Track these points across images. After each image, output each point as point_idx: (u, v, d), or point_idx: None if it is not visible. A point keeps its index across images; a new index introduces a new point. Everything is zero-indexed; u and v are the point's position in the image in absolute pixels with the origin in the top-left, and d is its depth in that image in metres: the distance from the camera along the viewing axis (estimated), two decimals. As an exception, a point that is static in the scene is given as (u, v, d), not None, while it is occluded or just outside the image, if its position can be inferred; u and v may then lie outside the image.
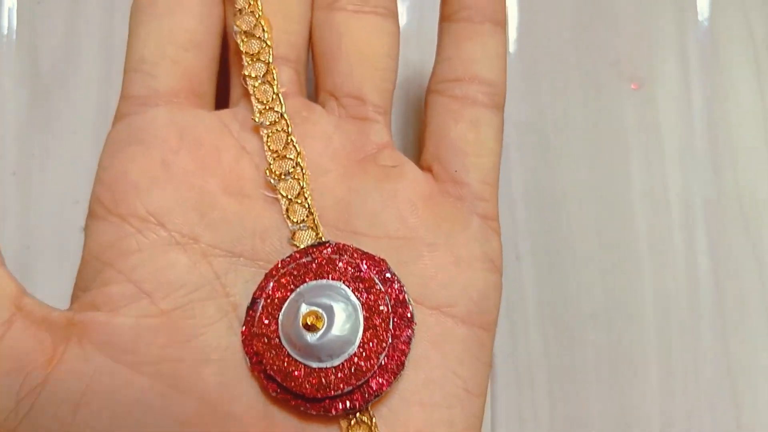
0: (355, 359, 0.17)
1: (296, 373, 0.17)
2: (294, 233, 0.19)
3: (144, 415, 0.16)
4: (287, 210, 0.19)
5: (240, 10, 0.20)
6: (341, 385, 0.17)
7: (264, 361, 0.17)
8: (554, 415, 0.27)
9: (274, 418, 0.17)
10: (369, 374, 0.17)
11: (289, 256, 0.18)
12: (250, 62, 0.20)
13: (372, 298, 0.18)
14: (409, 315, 0.18)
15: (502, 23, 0.21)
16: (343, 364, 0.17)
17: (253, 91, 0.19)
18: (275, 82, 0.19)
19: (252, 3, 0.20)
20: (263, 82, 0.19)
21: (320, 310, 0.17)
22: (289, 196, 0.19)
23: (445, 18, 0.21)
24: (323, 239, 0.19)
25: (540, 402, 0.27)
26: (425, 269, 0.19)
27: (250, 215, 0.19)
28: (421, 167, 0.21)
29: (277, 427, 0.17)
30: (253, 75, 0.20)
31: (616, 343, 0.27)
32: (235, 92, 0.21)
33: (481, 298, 0.19)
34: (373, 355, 0.17)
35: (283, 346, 0.17)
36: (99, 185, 0.19)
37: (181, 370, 0.17)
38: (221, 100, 0.22)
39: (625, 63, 0.28)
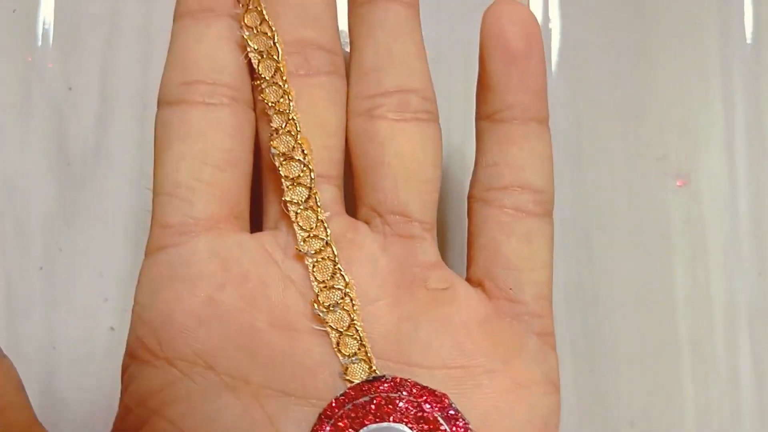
0: None
1: None
2: (346, 367, 0.18)
3: None
4: (338, 343, 0.18)
5: (276, 129, 0.19)
6: None
7: None
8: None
9: None
10: None
11: (344, 395, 0.17)
12: (290, 186, 0.19)
13: None
14: None
15: (546, 121, 0.20)
16: None
17: (296, 218, 0.18)
18: (318, 208, 0.19)
19: (289, 122, 0.19)
20: (305, 208, 0.19)
21: None
22: (339, 329, 0.18)
23: (484, 117, 0.20)
24: (377, 373, 0.18)
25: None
26: (485, 399, 0.18)
27: (299, 351, 0.18)
28: (470, 281, 0.20)
29: None
30: (294, 200, 0.19)
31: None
32: (271, 213, 0.20)
33: (544, 422, 0.19)
34: None
35: None
36: (140, 326, 0.18)
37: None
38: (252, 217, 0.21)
39: (671, 158, 0.27)
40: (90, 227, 0.25)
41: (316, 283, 0.18)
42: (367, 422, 0.17)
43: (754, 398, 0.27)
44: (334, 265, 0.18)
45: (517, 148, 0.19)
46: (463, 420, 0.17)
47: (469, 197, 0.20)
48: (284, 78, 0.19)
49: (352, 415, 0.17)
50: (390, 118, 0.19)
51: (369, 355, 0.18)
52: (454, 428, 0.17)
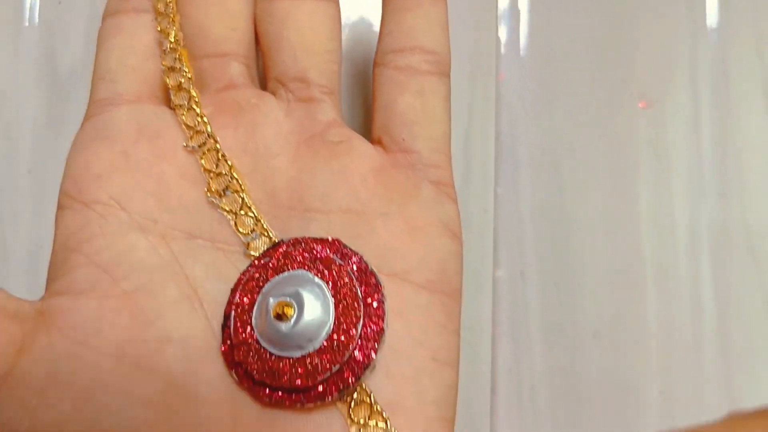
0: (334, 336, 0.17)
1: (283, 368, 0.17)
2: (248, 244, 0.19)
3: (107, 396, 0.17)
4: (236, 224, 0.19)
5: (164, 50, 0.21)
6: (328, 365, 0.17)
7: (249, 368, 0.17)
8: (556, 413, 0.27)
9: (240, 401, 0.18)
10: (352, 346, 0.17)
11: (250, 265, 0.19)
12: (176, 92, 0.21)
13: (335, 275, 0.18)
14: (374, 281, 0.18)
15: None
16: (323, 344, 0.17)
17: (182, 119, 0.20)
18: (199, 107, 0.20)
19: (173, 42, 0.21)
20: (189, 108, 0.20)
21: (288, 299, 0.18)
22: (234, 210, 0.19)
23: (385, 2, 0.22)
24: (276, 241, 0.19)
25: (541, 419, 0.27)
26: (380, 240, 0.19)
27: (206, 200, 0.19)
28: (372, 141, 0.21)
29: (243, 410, 0.18)
30: (179, 104, 0.21)
31: (618, 365, 0.27)
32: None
33: (440, 265, 0.19)
34: (350, 327, 0.17)
35: (264, 348, 0.18)
36: (65, 179, 0.20)
37: (144, 351, 0.17)
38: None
39: (635, 81, 0.28)
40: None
41: (206, 173, 0.20)
42: (270, 277, 0.18)
43: (715, 316, 0.27)
44: (218, 153, 0.20)
45: (410, 15, 0.21)
46: (357, 255, 0.19)
47: (373, 65, 0.22)
48: None
49: (257, 275, 0.18)
50: None
51: (266, 227, 0.19)
52: (349, 263, 0.18)
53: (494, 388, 0.27)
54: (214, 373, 0.18)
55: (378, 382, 0.18)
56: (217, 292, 0.19)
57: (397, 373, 0.18)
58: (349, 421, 0.17)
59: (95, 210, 0.19)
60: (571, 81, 0.28)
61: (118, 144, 0.20)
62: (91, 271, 0.18)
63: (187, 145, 0.20)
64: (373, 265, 0.19)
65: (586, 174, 0.28)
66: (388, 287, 0.19)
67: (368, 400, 0.18)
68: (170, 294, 0.18)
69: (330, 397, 0.17)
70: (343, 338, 0.17)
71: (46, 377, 0.17)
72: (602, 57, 0.28)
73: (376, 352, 0.18)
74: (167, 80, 0.21)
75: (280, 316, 0.17)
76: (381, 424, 0.17)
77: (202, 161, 0.20)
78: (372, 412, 0.17)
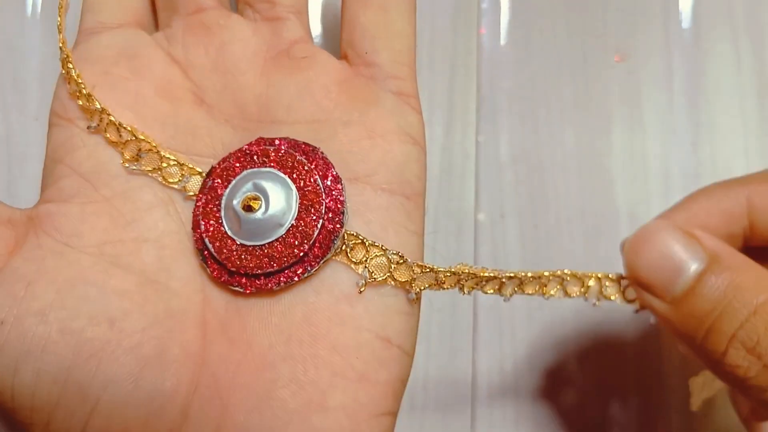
0: (302, 216, 0.19)
1: (261, 253, 0.19)
2: (184, 188, 0.20)
3: (87, 288, 0.18)
4: (163, 178, 0.20)
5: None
6: (304, 234, 0.19)
7: (225, 261, 0.19)
8: (533, 366, 0.28)
9: (210, 292, 0.19)
10: (322, 214, 0.19)
11: (211, 170, 0.20)
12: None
13: (309, 196, 0.19)
14: (334, 173, 0.19)
15: None
16: (293, 224, 0.19)
17: (83, 107, 0.21)
18: (85, 87, 0.21)
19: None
20: (80, 92, 0.21)
21: (253, 192, 0.19)
22: (157, 167, 0.20)
23: None
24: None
25: (520, 353, 0.28)
26: (340, 145, 0.20)
27: (181, 115, 0.21)
28: (340, 57, 0.22)
29: (213, 300, 0.19)
30: (81, 104, 0.21)
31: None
32: (162, 18, 0.23)
33: (400, 168, 0.20)
34: (316, 203, 0.19)
35: (236, 240, 0.19)
36: (54, 100, 0.21)
37: (122, 249, 0.19)
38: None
39: (610, 36, 0.30)
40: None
41: (113, 145, 0.20)
42: (235, 174, 0.20)
43: None
44: (116, 125, 0.20)
45: None
46: (319, 151, 0.20)
47: None
48: None
49: (226, 167, 0.20)
50: None
51: (190, 166, 0.20)
52: (310, 160, 0.20)
53: (476, 325, 0.28)
54: (187, 269, 0.19)
55: (337, 276, 0.19)
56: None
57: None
58: (352, 264, 0.19)
59: (78, 125, 0.20)
60: (549, 35, 0.29)
61: (98, 66, 0.21)
62: (74, 180, 0.20)
63: (89, 127, 0.20)
64: (336, 167, 0.20)
65: (562, 123, 0.29)
66: (349, 190, 0.20)
67: (358, 240, 0.19)
68: (146, 199, 0.20)
69: (317, 261, 0.19)
70: (313, 214, 0.19)
71: (33, 271, 0.18)
72: (579, 12, 0.30)
73: (342, 226, 0.19)
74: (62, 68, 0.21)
75: (249, 208, 0.19)
76: (378, 252, 0.19)
77: (107, 135, 0.20)
78: (366, 247, 0.19)
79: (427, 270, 0.19)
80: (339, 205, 0.19)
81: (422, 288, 0.19)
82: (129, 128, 0.20)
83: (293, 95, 0.21)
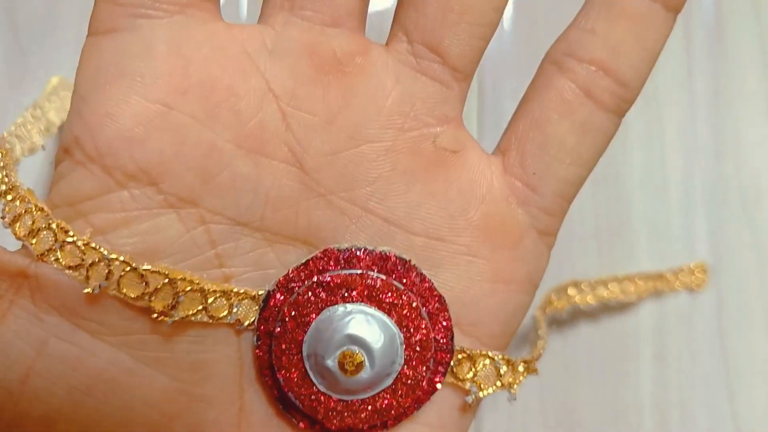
0: (406, 371, 0.16)
1: (348, 409, 0.16)
2: (238, 321, 0.15)
3: (107, 392, 0.14)
4: (211, 317, 0.15)
5: None
6: (370, 421, 0.16)
7: (305, 409, 0.16)
8: (544, 400, 0.26)
9: (249, 401, 0.16)
10: (402, 410, 0.16)
11: (296, 270, 0.16)
12: None
13: (416, 335, 0.16)
14: (437, 294, 0.16)
15: (676, 11, 0.16)
16: (396, 382, 0.16)
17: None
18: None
19: None
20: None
21: (354, 349, 0.15)
22: (193, 310, 0.15)
23: None
24: (264, 292, 0.16)
25: (530, 388, 0.26)
26: (456, 282, 0.16)
27: (266, 179, 0.15)
28: (498, 147, 0.17)
29: (253, 417, 0.16)
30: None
31: (608, 331, 0.26)
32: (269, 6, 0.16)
33: (508, 321, 0.17)
34: (409, 392, 0.16)
35: (324, 392, 0.16)
36: (78, 122, 0.15)
37: (151, 344, 0.15)
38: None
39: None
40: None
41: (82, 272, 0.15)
42: (311, 313, 0.16)
43: (710, 281, 0.26)
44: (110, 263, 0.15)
45: (624, 25, 0.16)
46: (413, 267, 0.16)
47: (546, 56, 0.17)
48: None
49: (306, 295, 0.16)
50: None
51: (236, 290, 0.16)
52: (405, 282, 0.16)
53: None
54: (226, 373, 0.15)
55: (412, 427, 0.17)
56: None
57: (427, 421, 0.17)
58: (459, 382, 0.16)
59: (115, 179, 0.14)
60: (555, 31, 0.26)
61: (155, 91, 0.14)
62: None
63: (92, 290, 0.15)
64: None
65: None
66: None
67: (464, 354, 0.16)
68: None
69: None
70: (395, 403, 0.16)
71: (32, 358, 0.14)
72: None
73: (452, 330, 0.16)
74: None
75: (345, 369, 0.15)
76: (487, 361, 0.16)
77: (124, 292, 0.14)
78: (472, 360, 0.16)
79: (528, 364, 0.17)
80: (448, 335, 0.16)
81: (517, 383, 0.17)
82: (160, 270, 0.14)
83: (423, 197, 0.16)
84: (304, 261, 0.15)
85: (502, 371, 0.16)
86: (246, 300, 0.15)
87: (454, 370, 0.16)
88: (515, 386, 0.16)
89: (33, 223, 0.14)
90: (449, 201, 0.16)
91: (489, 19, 0.16)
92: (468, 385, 0.16)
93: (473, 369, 0.16)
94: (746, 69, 0.27)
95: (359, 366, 0.15)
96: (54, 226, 0.14)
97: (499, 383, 0.16)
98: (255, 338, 0.16)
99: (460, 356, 0.16)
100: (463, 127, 0.17)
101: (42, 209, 0.14)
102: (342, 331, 0.15)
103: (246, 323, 0.15)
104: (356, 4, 0.16)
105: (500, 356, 0.16)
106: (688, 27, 0.27)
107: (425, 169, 0.16)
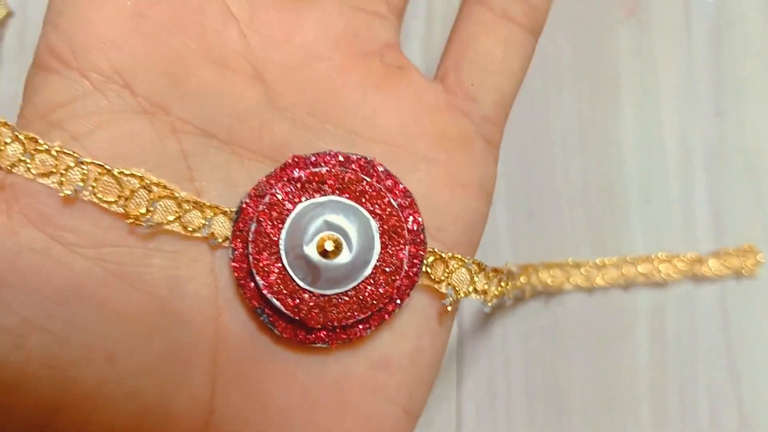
0: (368, 287, 0.17)
1: (329, 303, 0.16)
2: (212, 234, 0.16)
3: (81, 304, 0.15)
4: (184, 227, 0.16)
5: None
6: (353, 313, 0.16)
7: (285, 307, 0.16)
8: (530, 377, 0.24)
9: (226, 325, 0.16)
10: (384, 300, 0.17)
11: (269, 177, 0.17)
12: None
13: (389, 222, 0.17)
14: (401, 187, 0.17)
15: None
16: (373, 271, 0.16)
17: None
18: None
19: None
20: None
21: (333, 233, 0.16)
22: (171, 215, 0.16)
23: None
24: (235, 209, 0.16)
25: (515, 361, 0.24)
26: (418, 185, 0.17)
27: (230, 91, 0.17)
28: (435, 76, 0.19)
29: (228, 337, 0.16)
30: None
31: (602, 303, 0.25)
32: None
33: (469, 227, 0.18)
34: (388, 281, 0.17)
35: (301, 286, 0.16)
36: (53, 32, 0.16)
37: (127, 257, 0.15)
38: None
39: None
40: None
41: (110, 205, 0.16)
42: (298, 200, 0.17)
43: (712, 240, 0.25)
44: (115, 178, 0.16)
45: None
46: (376, 164, 0.17)
47: None
48: None
49: (280, 196, 0.17)
50: None
51: (207, 204, 0.16)
52: (372, 177, 0.17)
53: (461, 321, 0.25)
54: (201, 291, 0.16)
55: (381, 335, 0.17)
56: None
57: (400, 330, 0.17)
58: (434, 284, 0.17)
59: (93, 83, 0.16)
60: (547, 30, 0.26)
61: (132, 1, 0.16)
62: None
63: (65, 194, 0.15)
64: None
65: (561, 90, 0.25)
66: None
67: (437, 256, 0.17)
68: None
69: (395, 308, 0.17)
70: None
71: (4, 269, 0.15)
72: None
73: (422, 220, 0.17)
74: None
75: (326, 253, 0.16)
76: (459, 264, 0.17)
77: (97, 197, 0.15)
78: (445, 261, 0.17)
79: (502, 275, 0.18)
80: (418, 223, 0.17)
81: (505, 296, 0.19)
82: (135, 172, 0.15)
83: (377, 108, 0.18)
84: (273, 170, 0.17)
85: (475, 278, 0.17)
86: (219, 216, 0.16)
87: (429, 271, 0.17)
88: (489, 295, 0.18)
89: None
90: (402, 111, 0.18)
91: None
92: (444, 287, 0.17)
93: (446, 270, 0.17)
94: (749, 22, 0.26)
95: (338, 247, 0.16)
96: (21, 137, 0.15)
97: (472, 288, 0.17)
98: (230, 252, 0.16)
99: (432, 258, 0.17)
100: (402, 53, 0.19)
101: (6, 124, 0.15)
102: (318, 219, 0.16)
103: (220, 239, 0.16)
104: None
105: (471, 260, 0.17)
106: (685, -25, 0.26)
107: (376, 83, 0.18)
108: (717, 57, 0.26)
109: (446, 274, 0.17)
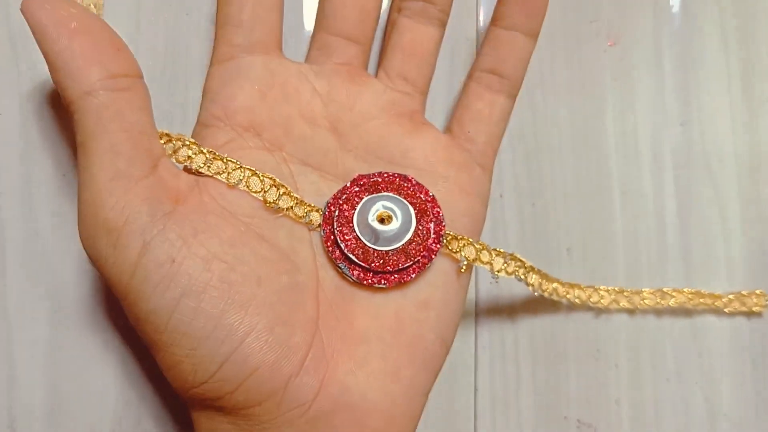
0: (411, 245, 0.25)
1: (387, 256, 0.24)
2: (311, 221, 0.25)
3: (238, 247, 0.22)
4: (295, 215, 0.24)
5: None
6: (401, 262, 0.24)
7: (359, 260, 0.24)
8: (533, 340, 0.29)
9: (323, 277, 0.24)
10: (422, 253, 0.25)
11: (343, 188, 0.25)
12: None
13: (420, 207, 0.25)
14: (427, 190, 0.25)
15: (535, 35, 0.27)
16: (413, 236, 0.25)
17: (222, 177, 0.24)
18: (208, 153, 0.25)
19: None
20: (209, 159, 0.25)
21: (389, 212, 0.25)
22: (290, 206, 0.24)
23: (493, 22, 0.27)
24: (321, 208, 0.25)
25: (520, 330, 0.29)
26: (438, 193, 0.26)
27: (318, 137, 0.25)
28: (445, 130, 0.28)
29: (324, 283, 0.24)
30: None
31: (589, 277, 0.29)
32: (314, 56, 0.27)
33: (473, 222, 0.26)
34: (422, 241, 0.25)
35: (369, 245, 0.24)
36: (212, 105, 0.25)
37: (263, 226, 0.24)
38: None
39: (603, 21, 0.31)
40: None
41: (255, 194, 0.24)
42: (358, 200, 0.25)
43: (677, 230, 0.30)
44: (258, 175, 0.24)
45: (506, 48, 0.27)
46: (411, 178, 0.26)
47: (467, 76, 0.28)
48: None
49: (347, 197, 0.25)
50: (405, 14, 0.27)
51: (307, 202, 0.25)
52: (409, 184, 0.26)
53: (477, 301, 0.30)
54: (308, 254, 0.24)
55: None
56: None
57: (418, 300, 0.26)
58: (453, 253, 0.25)
59: (237, 132, 0.24)
60: (546, 22, 0.30)
61: (257, 85, 0.25)
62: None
63: (234, 183, 0.24)
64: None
65: (557, 106, 0.30)
66: None
67: (450, 236, 0.25)
68: (285, 196, 0.24)
69: (431, 256, 0.25)
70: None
71: (202, 221, 0.22)
72: (573, 0, 0.31)
73: (441, 211, 0.25)
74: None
75: (383, 221, 0.25)
76: (466, 243, 0.25)
77: (248, 188, 0.24)
78: (457, 239, 0.25)
79: (502, 254, 0.26)
80: (439, 212, 0.25)
81: (499, 270, 0.26)
82: (269, 175, 0.24)
83: (409, 145, 0.26)
84: (342, 186, 0.25)
85: (480, 254, 0.25)
86: (313, 212, 0.25)
87: (448, 245, 0.25)
88: (496, 267, 0.25)
89: (191, 150, 0.24)
90: (425, 149, 0.26)
91: (431, 61, 0.27)
92: (459, 255, 0.25)
93: (459, 245, 0.25)
94: (708, 48, 0.31)
95: (390, 218, 0.25)
96: (204, 150, 0.24)
97: (478, 260, 0.25)
98: (321, 232, 0.25)
99: (450, 237, 0.25)
100: (425, 117, 0.27)
101: (194, 143, 0.24)
102: (378, 203, 0.25)
103: (315, 224, 0.25)
104: (362, 55, 0.27)
105: (475, 241, 0.25)
106: (657, 13, 0.31)
107: (408, 130, 0.26)
108: (682, 78, 0.30)
109: (459, 248, 0.25)
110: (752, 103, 0.31)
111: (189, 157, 0.24)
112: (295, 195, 0.24)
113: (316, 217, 0.25)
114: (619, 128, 0.30)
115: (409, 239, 0.24)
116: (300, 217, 0.24)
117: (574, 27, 0.31)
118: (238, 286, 0.22)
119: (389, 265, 0.24)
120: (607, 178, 0.30)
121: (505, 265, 0.25)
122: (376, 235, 0.24)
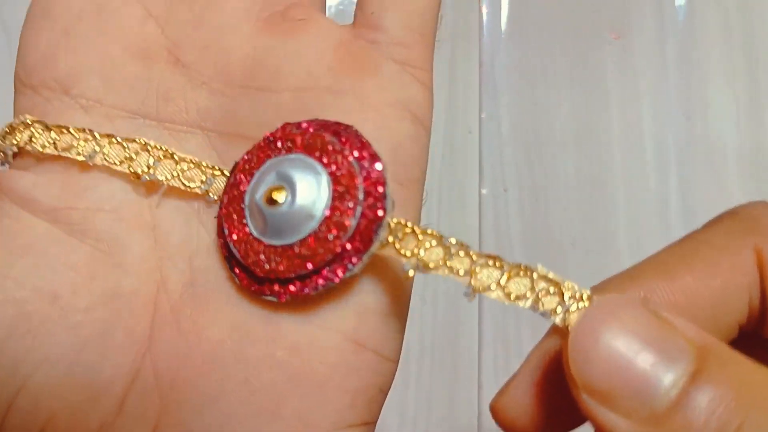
0: (312, 243, 0.16)
1: (284, 253, 0.16)
2: (207, 192, 0.18)
3: (39, 256, 0.17)
4: (182, 183, 0.18)
5: None
6: (296, 268, 0.16)
7: (251, 266, 0.16)
8: (537, 338, 0.29)
9: (169, 274, 0.18)
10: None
11: (235, 168, 0.18)
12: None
13: (341, 181, 0.16)
14: (371, 152, 0.16)
15: None
16: (326, 216, 0.16)
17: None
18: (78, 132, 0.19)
19: None
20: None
21: (283, 184, 0.16)
22: (172, 174, 0.18)
23: None
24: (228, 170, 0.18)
25: (524, 324, 0.29)
26: (330, 117, 0.17)
27: (153, 77, 0.19)
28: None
29: (169, 282, 0.18)
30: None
31: (592, 271, 0.29)
32: None
33: (393, 148, 0.17)
34: (334, 239, 0.16)
35: (260, 240, 0.16)
36: (17, 63, 0.20)
37: (75, 217, 0.18)
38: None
39: (608, 16, 0.31)
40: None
41: (124, 163, 0.19)
42: (258, 166, 0.17)
43: (681, 225, 0.30)
44: (121, 144, 0.19)
45: None
46: (352, 130, 0.17)
47: None
48: None
49: (249, 159, 0.17)
50: None
51: (209, 165, 0.18)
52: (342, 140, 0.17)
53: (480, 297, 0.29)
54: (144, 245, 0.18)
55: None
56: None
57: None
58: (403, 258, 0.15)
59: (41, 94, 0.19)
60: (547, 13, 0.30)
61: (59, 23, 0.19)
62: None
63: (85, 158, 0.19)
64: None
65: (560, 99, 0.30)
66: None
67: (409, 229, 0.15)
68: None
69: (357, 259, 0.15)
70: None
71: None
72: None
73: (385, 187, 0.16)
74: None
75: (272, 200, 0.16)
76: (434, 242, 0.15)
77: (108, 161, 0.18)
78: (417, 236, 0.15)
79: (491, 262, 0.15)
80: (380, 189, 0.16)
81: (485, 286, 0.15)
82: (141, 141, 0.18)
83: (281, 59, 0.18)
84: (263, 138, 0.17)
85: (451, 256, 0.15)
86: (219, 177, 0.18)
87: (397, 245, 0.15)
88: (477, 284, 0.15)
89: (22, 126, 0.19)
90: (305, 56, 0.18)
91: None
92: (413, 262, 0.15)
93: (419, 246, 0.15)
94: (712, 41, 0.31)
95: (279, 193, 0.16)
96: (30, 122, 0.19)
97: (444, 267, 0.15)
98: (220, 205, 0.17)
99: (404, 231, 0.15)
100: (315, 7, 0.19)
101: (39, 121, 0.19)
102: (273, 170, 0.16)
103: (215, 197, 0.17)
104: None
105: (454, 241, 0.15)
106: (661, 6, 0.31)
107: (280, 37, 0.18)
108: (686, 72, 0.30)
109: (417, 249, 0.15)
110: (757, 96, 0.31)
111: (12, 130, 0.19)
112: (182, 155, 0.18)
113: (219, 186, 0.17)
114: (622, 123, 0.30)
115: (313, 233, 0.16)
116: (193, 186, 0.18)
117: (577, 19, 0.31)
118: (24, 305, 0.17)
119: (277, 272, 0.16)
120: (610, 172, 0.30)
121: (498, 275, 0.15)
122: (263, 220, 0.16)
